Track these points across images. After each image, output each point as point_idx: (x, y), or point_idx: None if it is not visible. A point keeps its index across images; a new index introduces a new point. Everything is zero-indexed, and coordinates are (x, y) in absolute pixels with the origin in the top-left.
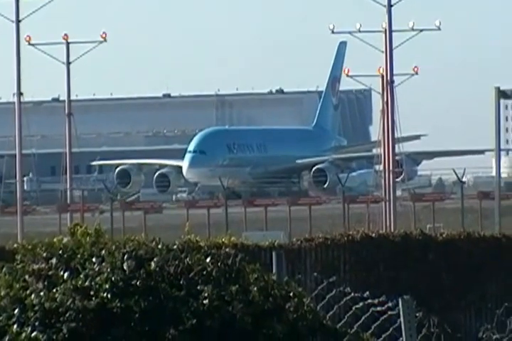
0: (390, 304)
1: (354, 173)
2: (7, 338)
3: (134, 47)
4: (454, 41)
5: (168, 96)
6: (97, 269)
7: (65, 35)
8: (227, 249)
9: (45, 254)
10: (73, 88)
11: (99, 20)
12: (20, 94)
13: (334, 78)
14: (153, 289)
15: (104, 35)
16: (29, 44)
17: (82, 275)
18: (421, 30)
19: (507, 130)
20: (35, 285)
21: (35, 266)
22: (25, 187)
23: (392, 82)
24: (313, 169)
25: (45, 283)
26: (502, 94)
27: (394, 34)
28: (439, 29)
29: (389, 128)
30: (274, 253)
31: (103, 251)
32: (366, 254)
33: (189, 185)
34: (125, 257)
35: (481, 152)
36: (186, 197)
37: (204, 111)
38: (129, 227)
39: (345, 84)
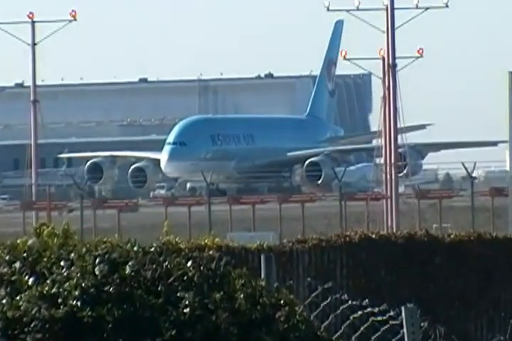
0: (391, 313)
1: (352, 167)
2: None
3: (107, 27)
4: (463, 20)
5: (145, 81)
6: (65, 274)
7: (30, 13)
8: (210, 252)
9: (7, 257)
10: (39, 72)
11: None
12: None
13: (330, 61)
14: (128, 296)
15: (73, 14)
16: None
17: (48, 281)
18: (426, 8)
19: None
20: None
21: None
22: None
23: (394, 65)
24: (307, 162)
25: (8, 289)
26: None
27: (396, 12)
28: (446, 6)
29: (391, 117)
30: (262, 257)
31: (72, 254)
32: (365, 257)
33: (168, 180)
34: (97, 261)
35: (494, 143)
36: (165, 194)
37: (185, 97)
38: (102, 227)
39: (343, 68)
